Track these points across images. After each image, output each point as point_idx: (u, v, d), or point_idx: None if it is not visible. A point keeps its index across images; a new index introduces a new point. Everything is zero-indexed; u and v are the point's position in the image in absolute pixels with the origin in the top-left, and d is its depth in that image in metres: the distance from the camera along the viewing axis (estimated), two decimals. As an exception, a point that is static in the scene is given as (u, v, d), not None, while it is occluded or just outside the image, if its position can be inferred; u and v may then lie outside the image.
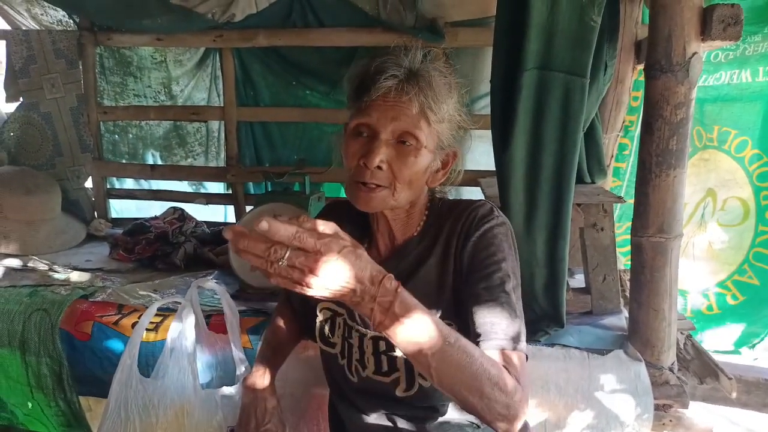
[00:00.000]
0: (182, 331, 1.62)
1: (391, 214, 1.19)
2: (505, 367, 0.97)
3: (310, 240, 0.79)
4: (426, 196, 1.22)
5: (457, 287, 1.14)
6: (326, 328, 1.28)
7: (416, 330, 0.85)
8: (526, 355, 1.04)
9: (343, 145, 1.15)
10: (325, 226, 0.83)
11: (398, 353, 1.16)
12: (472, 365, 0.89)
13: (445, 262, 1.16)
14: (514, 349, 1.01)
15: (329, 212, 1.38)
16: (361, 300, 0.83)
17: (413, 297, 0.87)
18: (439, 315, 1.14)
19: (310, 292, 0.81)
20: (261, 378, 1.33)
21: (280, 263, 0.78)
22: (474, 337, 1.03)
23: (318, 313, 1.30)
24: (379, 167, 1.08)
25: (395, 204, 1.14)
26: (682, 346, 1.84)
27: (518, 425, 0.95)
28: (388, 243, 1.24)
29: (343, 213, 1.33)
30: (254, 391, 1.31)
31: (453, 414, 1.18)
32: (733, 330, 2.85)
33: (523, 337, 1.04)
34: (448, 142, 1.16)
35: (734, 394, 1.64)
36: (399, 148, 1.09)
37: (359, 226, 1.30)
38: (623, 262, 2.37)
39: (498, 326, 1.02)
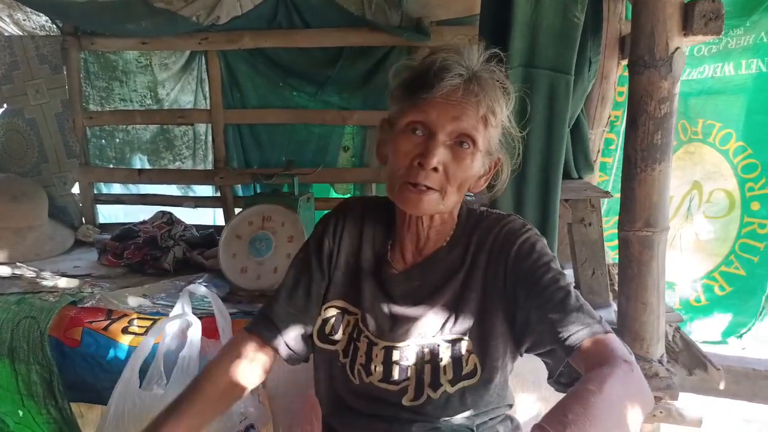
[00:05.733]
0: (175, 338, 1.62)
1: (429, 219, 1.16)
2: (611, 353, 0.95)
3: None
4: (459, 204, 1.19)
5: (488, 304, 1.12)
6: (329, 325, 1.22)
7: None
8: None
9: (392, 143, 1.10)
10: None
11: (410, 363, 1.14)
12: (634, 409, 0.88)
13: (471, 276, 1.14)
14: (604, 332, 0.99)
15: (345, 210, 1.29)
16: None
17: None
18: (459, 332, 1.12)
19: None
20: None
21: None
22: (561, 340, 1.01)
23: (322, 312, 1.24)
24: (434, 169, 1.05)
25: (444, 209, 1.11)
26: (670, 338, 1.85)
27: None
28: (415, 250, 1.20)
29: (364, 211, 1.27)
30: None
31: (451, 422, 1.16)
32: (721, 320, 2.88)
33: (602, 319, 1.03)
34: (496, 148, 1.14)
35: (723, 385, 1.65)
36: (455, 150, 1.07)
37: (382, 226, 1.25)
38: (612, 256, 2.38)
39: (578, 322, 1.00)
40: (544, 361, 1.16)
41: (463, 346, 1.12)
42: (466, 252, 1.16)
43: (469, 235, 1.17)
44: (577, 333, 0.99)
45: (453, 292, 1.15)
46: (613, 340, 0.99)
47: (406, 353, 1.15)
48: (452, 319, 1.13)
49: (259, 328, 1.23)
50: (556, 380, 1.13)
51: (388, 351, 1.16)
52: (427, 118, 1.05)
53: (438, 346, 1.13)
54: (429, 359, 1.13)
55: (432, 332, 1.14)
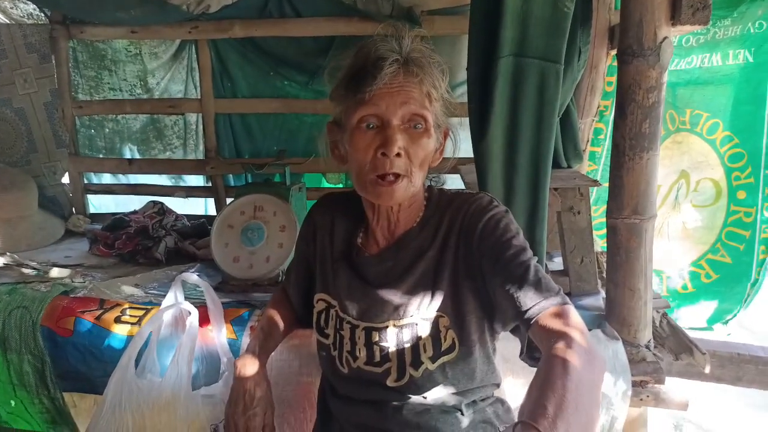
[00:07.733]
0: (168, 326, 1.63)
1: (397, 204, 1.19)
2: (564, 324, 0.96)
3: None
4: (424, 183, 1.23)
5: (460, 281, 1.15)
6: (322, 319, 1.29)
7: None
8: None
9: (350, 142, 1.13)
10: None
11: (391, 344, 1.17)
12: (591, 394, 0.88)
13: (444, 254, 1.17)
14: (560, 305, 1.00)
15: (322, 206, 1.37)
16: None
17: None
18: (436, 309, 1.15)
19: None
20: (251, 362, 1.31)
21: None
22: (520, 314, 1.02)
23: (315, 304, 1.31)
24: (398, 154, 1.09)
25: (414, 190, 1.15)
26: (657, 324, 1.88)
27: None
28: (387, 234, 1.24)
29: (335, 206, 1.35)
30: (243, 376, 1.30)
31: (440, 400, 1.19)
32: (708, 307, 2.93)
33: (560, 291, 1.03)
34: (442, 120, 1.18)
35: (708, 369, 1.68)
36: (411, 132, 1.11)
37: (352, 217, 1.30)
38: (600, 244, 2.41)
39: (535, 297, 1.01)
40: (520, 339, 1.18)
41: (441, 322, 1.15)
42: (437, 232, 1.19)
43: (441, 215, 1.21)
44: (533, 307, 1.01)
45: (425, 271, 1.18)
46: (568, 311, 0.99)
47: (386, 334, 1.18)
48: (428, 298, 1.16)
49: (281, 295, 1.49)
50: (528, 355, 1.15)
51: (369, 332, 1.20)
52: (377, 110, 1.09)
53: (416, 324, 1.16)
54: (408, 338, 1.16)
55: (410, 311, 1.17)
